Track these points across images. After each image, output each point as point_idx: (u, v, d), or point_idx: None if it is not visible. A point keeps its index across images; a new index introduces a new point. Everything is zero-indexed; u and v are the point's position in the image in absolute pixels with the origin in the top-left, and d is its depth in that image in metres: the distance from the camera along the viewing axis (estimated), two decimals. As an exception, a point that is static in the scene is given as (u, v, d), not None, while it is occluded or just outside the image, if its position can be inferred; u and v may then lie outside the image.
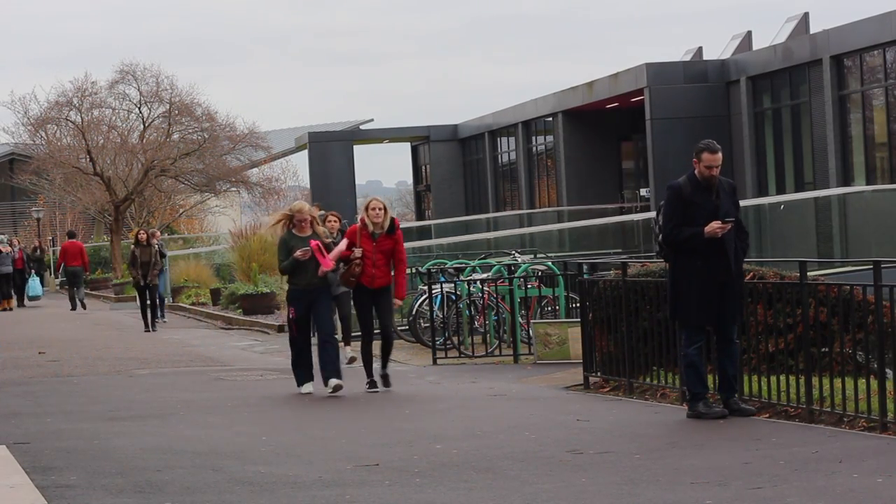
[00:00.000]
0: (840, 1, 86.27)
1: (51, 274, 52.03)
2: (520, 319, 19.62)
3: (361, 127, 70.03)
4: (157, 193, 50.70)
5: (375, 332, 15.31)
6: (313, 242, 14.69)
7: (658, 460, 9.70)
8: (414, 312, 20.79)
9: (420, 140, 66.12)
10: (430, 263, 25.30)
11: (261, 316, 28.27)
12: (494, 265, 23.38)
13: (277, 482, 9.10)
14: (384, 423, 12.62)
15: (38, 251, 46.86)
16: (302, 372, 14.94)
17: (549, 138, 54.19)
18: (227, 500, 8.55)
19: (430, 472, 9.41)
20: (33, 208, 59.00)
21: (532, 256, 26.61)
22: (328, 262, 14.67)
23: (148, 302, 27.45)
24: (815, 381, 11.54)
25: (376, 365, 15.09)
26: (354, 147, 63.21)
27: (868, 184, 36.88)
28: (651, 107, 44.15)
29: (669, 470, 9.27)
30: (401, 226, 15.60)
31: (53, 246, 56.79)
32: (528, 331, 19.53)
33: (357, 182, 65.13)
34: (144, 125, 49.79)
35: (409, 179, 79.57)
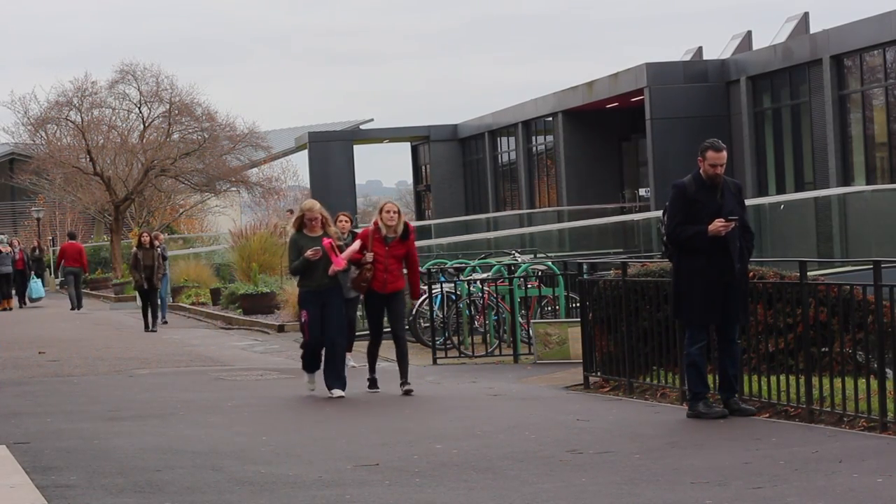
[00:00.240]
0: (840, 1, 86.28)
1: (51, 274, 52.03)
2: (520, 319, 19.63)
3: (361, 127, 70.02)
4: (157, 193, 50.67)
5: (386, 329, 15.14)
6: (326, 240, 14.36)
7: (658, 460, 9.70)
8: (414, 312, 20.79)
9: (420, 140, 66.13)
10: (430, 263, 25.30)
11: (261, 316, 28.26)
12: (494, 265, 23.39)
13: (277, 482, 9.10)
14: (384, 423, 12.62)
15: (38, 251, 46.84)
16: (312, 361, 14.66)
17: (549, 138, 54.20)
18: (227, 499, 8.55)
19: (430, 472, 9.41)
20: (33, 208, 58.98)
21: (532, 256, 26.62)
22: (340, 262, 14.34)
23: (149, 304, 27.33)
24: (815, 380, 11.54)
25: (381, 365, 15.01)
26: (354, 147, 63.21)
27: (868, 184, 36.88)
28: (651, 107, 44.16)
29: (669, 470, 9.28)
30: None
31: (53, 246, 56.79)
32: (528, 331, 19.53)
33: (357, 182, 65.15)
34: (144, 125, 49.78)
35: (409, 179, 79.57)
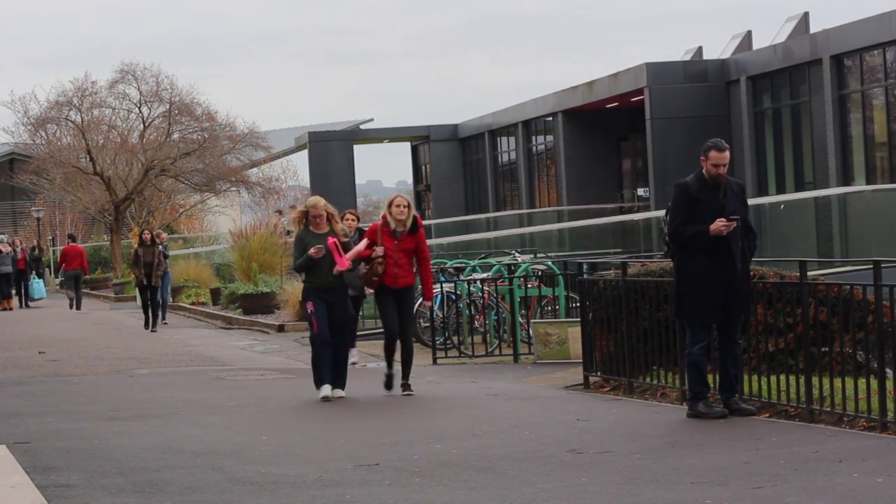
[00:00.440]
0: (840, 1, 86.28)
1: (51, 273, 52.03)
2: (520, 319, 19.63)
3: (361, 127, 70.02)
4: (157, 193, 50.67)
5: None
6: (330, 240, 14.12)
7: (658, 460, 9.70)
8: (414, 312, 20.77)
9: (420, 140, 66.13)
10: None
11: (261, 315, 28.26)
12: (494, 265, 23.38)
13: (277, 482, 9.10)
14: (384, 423, 12.62)
15: (38, 251, 46.86)
16: (323, 371, 14.17)
17: (549, 138, 54.20)
18: (227, 499, 8.55)
19: (430, 472, 9.41)
20: (33, 208, 58.99)
21: (532, 256, 26.61)
22: (344, 262, 14.12)
23: (149, 301, 27.30)
24: (815, 380, 11.55)
25: (383, 365, 14.96)
26: (354, 147, 63.22)
27: (868, 183, 36.88)
28: (651, 107, 44.16)
29: (669, 469, 9.28)
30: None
31: (53, 246, 56.80)
32: (528, 330, 19.53)
33: (357, 182, 65.15)
34: (144, 125, 49.77)
35: (409, 179, 79.52)
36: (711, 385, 12.11)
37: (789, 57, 40.70)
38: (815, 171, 40.10)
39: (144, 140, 49.50)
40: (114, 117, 50.34)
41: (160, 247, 28.03)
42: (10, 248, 40.63)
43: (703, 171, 11.78)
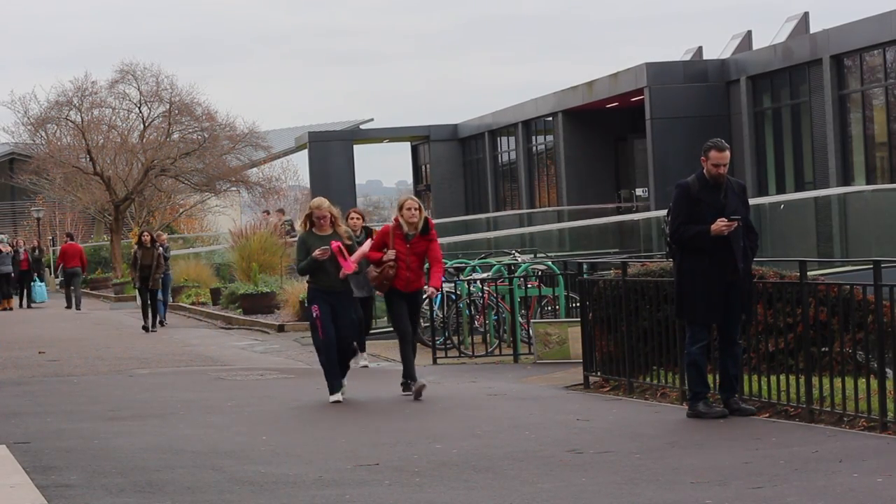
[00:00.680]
0: (840, 1, 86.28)
1: (51, 273, 52.04)
2: (520, 319, 19.62)
3: (361, 127, 70.01)
4: (157, 193, 50.64)
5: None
6: (334, 244, 13.80)
7: (658, 460, 9.70)
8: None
9: (420, 140, 66.13)
10: (430, 263, 25.25)
11: (261, 315, 28.26)
12: (494, 265, 23.37)
13: (277, 482, 9.10)
14: (384, 422, 12.62)
15: (38, 251, 46.86)
16: (335, 379, 13.92)
17: (549, 138, 54.20)
18: (227, 499, 8.55)
19: (430, 472, 9.41)
20: (33, 208, 58.99)
21: (532, 256, 26.61)
22: (350, 265, 13.82)
23: (149, 302, 27.15)
24: (815, 380, 11.55)
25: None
26: (354, 147, 63.21)
27: (868, 183, 36.88)
28: (651, 106, 44.16)
29: (669, 469, 9.28)
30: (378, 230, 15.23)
31: (53, 246, 56.79)
32: (528, 330, 19.53)
33: (357, 182, 65.15)
34: (144, 125, 49.76)
35: (409, 179, 79.52)
36: (711, 385, 12.11)
37: (789, 57, 40.70)
38: (815, 171, 40.10)
39: (144, 140, 49.49)
40: (114, 117, 50.34)
41: (159, 249, 27.79)
42: (10, 248, 40.63)
43: (704, 171, 11.79)
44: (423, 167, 67.56)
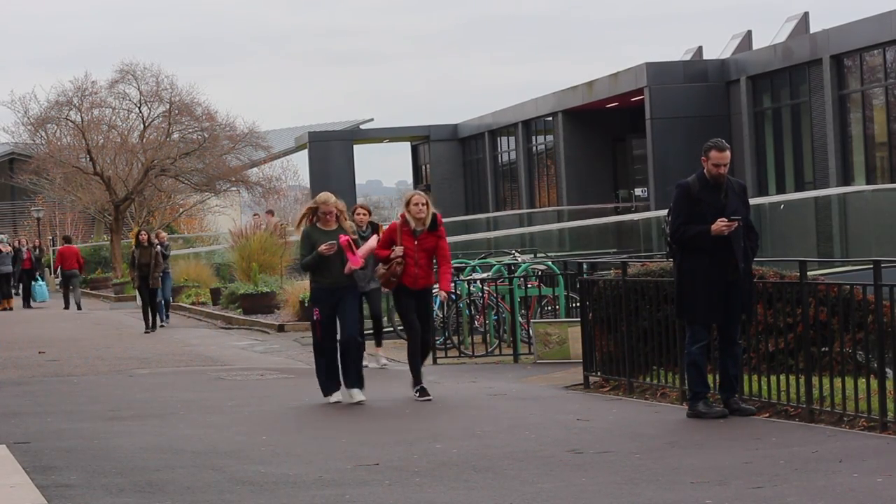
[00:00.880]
0: (840, 1, 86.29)
1: (50, 273, 52.07)
2: (520, 319, 19.62)
3: (361, 127, 70.01)
4: (157, 193, 50.63)
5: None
6: (343, 238, 13.55)
7: (658, 460, 9.70)
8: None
9: (420, 140, 66.13)
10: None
11: (261, 315, 28.25)
12: (494, 265, 23.37)
13: (277, 482, 9.10)
14: (384, 422, 12.62)
15: (38, 251, 46.88)
16: (329, 382, 13.81)
17: (549, 138, 54.20)
18: (227, 499, 8.55)
19: (430, 472, 9.41)
20: (33, 208, 59.00)
21: (532, 256, 26.61)
22: (357, 260, 13.55)
23: (149, 302, 27.06)
24: (815, 380, 11.55)
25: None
26: (354, 147, 63.22)
27: (868, 183, 36.88)
28: (651, 106, 44.16)
29: (669, 469, 9.28)
30: (385, 226, 15.09)
31: (53, 245, 56.79)
32: (528, 330, 19.53)
33: (357, 182, 65.16)
34: (144, 125, 49.75)
35: (409, 179, 79.48)
36: (711, 385, 12.11)
37: (789, 57, 40.70)
38: (815, 171, 40.10)
39: (144, 140, 49.48)
40: (114, 117, 50.32)
41: (158, 247, 27.64)
42: (10, 248, 40.63)
43: (704, 171, 11.79)
44: (423, 167, 67.56)
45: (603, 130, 51.38)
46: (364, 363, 17.64)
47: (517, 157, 56.85)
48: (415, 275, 13.90)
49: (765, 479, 8.73)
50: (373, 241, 14.22)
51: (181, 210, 55.00)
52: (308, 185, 64.51)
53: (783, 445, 10.19)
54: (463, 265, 24.17)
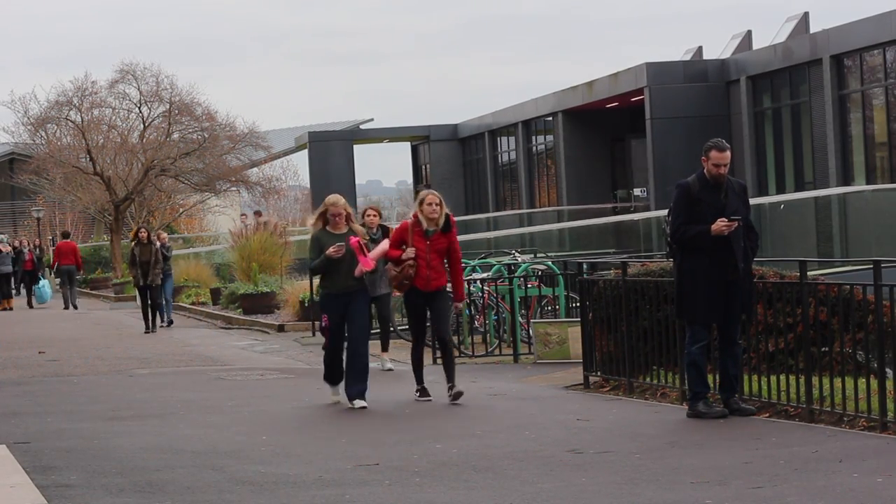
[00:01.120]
0: (840, 1, 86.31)
1: (50, 273, 52.11)
2: (520, 319, 19.62)
3: (361, 127, 70.04)
4: (157, 193, 50.64)
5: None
6: (353, 239, 13.27)
7: (658, 460, 9.70)
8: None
9: (420, 140, 66.14)
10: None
11: (261, 315, 28.25)
12: (494, 265, 23.37)
13: (277, 482, 9.10)
14: (384, 422, 12.62)
15: (38, 251, 46.89)
16: (335, 372, 13.68)
17: (549, 138, 54.21)
18: (227, 499, 8.55)
19: (429, 472, 9.41)
20: (33, 208, 59.02)
21: (532, 256, 26.61)
22: (368, 262, 13.26)
23: (149, 302, 26.87)
24: (815, 380, 11.55)
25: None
26: (354, 147, 63.23)
27: (868, 183, 36.89)
28: (651, 106, 44.17)
29: (669, 469, 9.28)
30: (394, 227, 14.94)
31: (53, 245, 56.81)
32: (528, 330, 19.52)
33: (357, 182, 65.17)
34: (144, 125, 49.77)
35: (409, 179, 79.57)
36: (711, 385, 12.12)
37: (789, 57, 40.71)
38: (815, 171, 40.11)
39: (144, 140, 49.50)
40: (114, 117, 50.35)
41: (157, 244, 27.38)
42: (10, 248, 40.62)
43: (705, 171, 11.80)
44: (423, 167, 67.57)
45: (603, 130, 51.38)
46: (389, 367, 17.56)
47: (517, 157, 56.86)
48: (426, 276, 13.59)
49: (765, 479, 8.73)
50: (385, 244, 13.96)
51: (181, 210, 55.01)
52: (308, 185, 64.50)
53: (783, 445, 10.19)
54: (463, 265, 24.16)
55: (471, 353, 19.37)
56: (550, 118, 53.16)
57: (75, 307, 37.58)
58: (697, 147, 12.59)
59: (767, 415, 11.86)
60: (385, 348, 17.73)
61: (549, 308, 20.63)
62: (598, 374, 14.84)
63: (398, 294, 14.90)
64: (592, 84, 48.93)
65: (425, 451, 10.41)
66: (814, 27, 42.45)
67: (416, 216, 13.71)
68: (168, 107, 49.16)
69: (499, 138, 59.83)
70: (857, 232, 31.71)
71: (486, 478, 9.15)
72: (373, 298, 15.31)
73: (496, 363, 18.90)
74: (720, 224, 11.54)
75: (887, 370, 11.07)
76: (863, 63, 38.35)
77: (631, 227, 37.42)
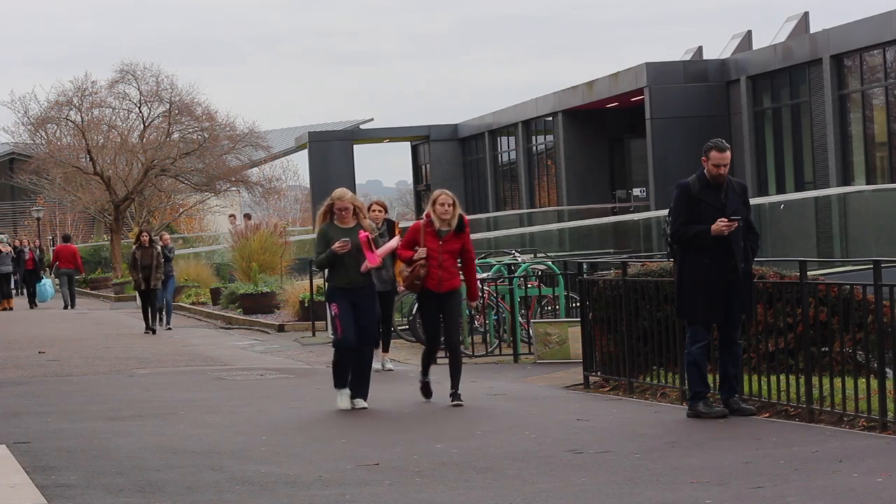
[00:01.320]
0: (840, 1, 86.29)
1: (49, 274, 52.13)
2: (520, 319, 19.62)
3: (361, 127, 70.03)
4: (157, 193, 50.67)
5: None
6: (362, 233, 13.03)
7: (658, 460, 9.70)
8: (414, 312, 20.78)
9: (420, 140, 66.14)
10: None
11: (261, 315, 28.27)
12: (494, 265, 23.37)
13: (277, 482, 9.10)
14: (384, 422, 12.62)
15: (39, 251, 46.89)
16: (345, 375, 13.21)
17: (549, 138, 54.21)
18: (227, 499, 8.55)
19: (430, 472, 9.41)
20: (33, 208, 59.02)
21: (532, 256, 26.61)
22: (375, 258, 13.02)
23: (149, 305, 26.74)
24: (815, 380, 11.55)
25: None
26: (354, 147, 63.21)
27: (868, 183, 36.89)
28: (651, 106, 44.17)
29: (669, 469, 9.28)
30: (402, 225, 14.85)
31: (53, 245, 56.84)
32: (528, 330, 19.53)
33: (357, 182, 65.13)
34: (144, 125, 49.78)
35: (409, 179, 79.56)
36: (711, 385, 12.12)
37: (789, 57, 40.70)
38: (815, 171, 40.11)
39: (144, 140, 49.51)
40: (114, 117, 50.38)
41: (158, 247, 27.28)
42: (10, 248, 40.62)
43: (705, 171, 11.80)
44: (423, 167, 67.57)
45: (603, 130, 51.38)
46: (389, 367, 17.50)
47: (517, 157, 56.85)
48: (439, 277, 13.36)
49: (765, 479, 8.73)
50: (394, 242, 13.80)
51: (181, 210, 55.03)
52: (308, 185, 64.49)
53: (783, 445, 10.19)
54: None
55: (471, 353, 19.37)
56: (550, 118, 53.16)
57: (72, 306, 37.62)
58: (697, 147, 12.59)
59: (767, 415, 11.86)
60: (386, 349, 17.67)
61: (549, 308, 20.64)
62: (599, 374, 14.84)
63: (403, 292, 14.75)
64: (592, 84, 48.93)
65: (425, 451, 10.41)
66: (814, 27, 42.47)
67: (428, 216, 13.55)
68: (168, 107, 49.18)
69: (499, 138, 59.83)
70: (857, 232, 31.71)
71: (486, 478, 9.16)
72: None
73: (496, 363, 18.91)
74: (720, 224, 11.55)
75: (887, 370, 11.08)
76: (863, 63, 38.35)
77: (631, 227, 37.43)
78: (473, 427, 11.76)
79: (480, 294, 20.44)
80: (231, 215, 45.43)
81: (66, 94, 49.03)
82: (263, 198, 52.67)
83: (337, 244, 12.94)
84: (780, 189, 41.51)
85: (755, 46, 45.27)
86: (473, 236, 40.45)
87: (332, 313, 13.25)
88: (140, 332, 26.39)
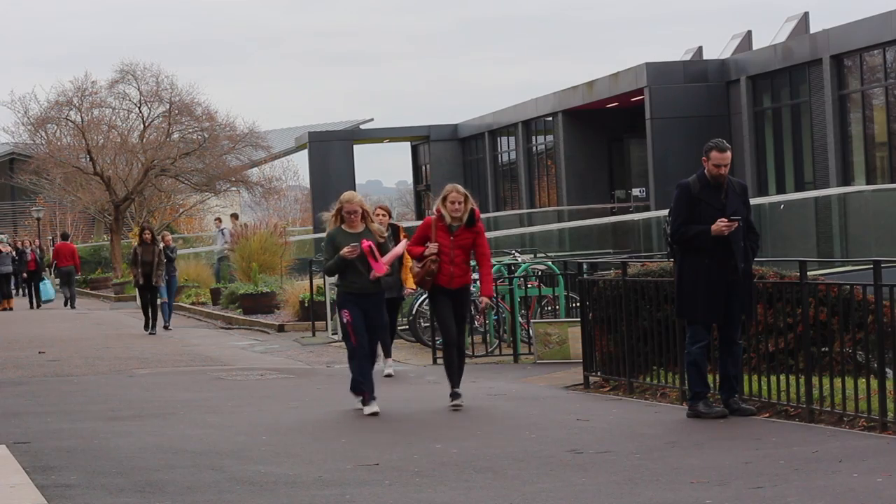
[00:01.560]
0: (840, 1, 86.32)
1: (50, 274, 52.12)
2: (520, 319, 19.62)
3: (361, 127, 70.02)
4: (157, 193, 50.65)
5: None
6: (364, 243, 12.76)
7: (658, 460, 9.70)
8: (414, 312, 20.79)
9: (420, 140, 66.13)
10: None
11: (261, 315, 28.27)
12: (494, 265, 23.36)
13: (277, 482, 9.10)
14: (384, 422, 12.61)
15: (39, 251, 46.88)
16: (365, 385, 12.82)
17: (549, 138, 54.20)
18: (227, 499, 8.55)
19: (429, 472, 9.41)
20: (33, 208, 59.02)
21: (532, 256, 26.61)
22: (381, 267, 12.79)
23: (149, 302, 26.60)
24: (815, 380, 11.55)
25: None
26: (354, 147, 63.21)
27: (868, 183, 36.89)
28: (651, 106, 44.16)
29: (669, 469, 9.28)
30: (403, 225, 14.74)
31: (53, 245, 56.84)
32: (528, 330, 19.53)
33: (357, 182, 65.13)
34: (144, 125, 49.77)
35: (409, 179, 79.55)
36: (711, 385, 12.12)
37: (789, 57, 40.70)
38: (815, 171, 40.11)
39: (144, 140, 49.50)
40: (114, 117, 50.36)
41: (160, 245, 27.11)
42: (10, 248, 40.63)
43: (705, 171, 11.80)
44: (423, 167, 67.57)
45: (603, 130, 51.37)
46: (389, 371, 17.37)
47: (517, 157, 56.86)
48: (450, 273, 13.12)
49: (765, 479, 8.73)
50: (399, 248, 13.66)
51: (181, 210, 55.02)
52: (308, 186, 64.49)
53: (783, 445, 10.19)
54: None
55: (471, 353, 19.36)
56: (550, 118, 53.16)
57: (73, 306, 37.60)
58: (697, 147, 12.60)
59: (767, 415, 11.86)
60: (388, 354, 17.54)
61: (549, 308, 20.64)
62: (598, 374, 14.84)
63: (410, 292, 14.61)
64: (592, 84, 48.93)
65: (425, 451, 10.41)
66: (814, 27, 42.46)
67: (438, 211, 13.33)
68: (168, 107, 49.17)
69: (499, 138, 59.82)
70: (857, 232, 31.71)
71: (486, 478, 9.16)
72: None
73: (496, 363, 18.91)
74: (720, 224, 11.55)
75: (887, 370, 11.08)
76: (863, 63, 38.35)
77: (631, 227, 37.42)
78: (473, 427, 11.76)
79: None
80: (217, 218, 45.22)
81: (66, 95, 49.04)
82: (263, 198, 52.66)
83: (346, 249, 12.72)
84: (780, 189, 41.51)
85: (755, 46, 45.27)
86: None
87: (344, 320, 13.02)
88: (140, 332, 26.33)
